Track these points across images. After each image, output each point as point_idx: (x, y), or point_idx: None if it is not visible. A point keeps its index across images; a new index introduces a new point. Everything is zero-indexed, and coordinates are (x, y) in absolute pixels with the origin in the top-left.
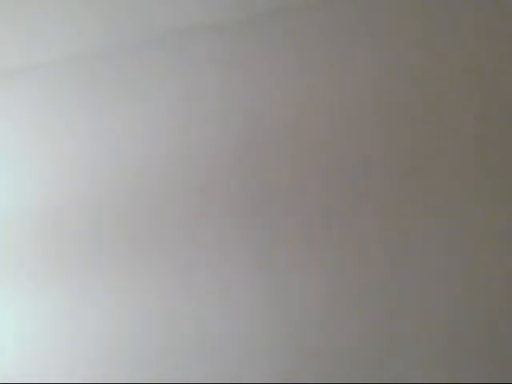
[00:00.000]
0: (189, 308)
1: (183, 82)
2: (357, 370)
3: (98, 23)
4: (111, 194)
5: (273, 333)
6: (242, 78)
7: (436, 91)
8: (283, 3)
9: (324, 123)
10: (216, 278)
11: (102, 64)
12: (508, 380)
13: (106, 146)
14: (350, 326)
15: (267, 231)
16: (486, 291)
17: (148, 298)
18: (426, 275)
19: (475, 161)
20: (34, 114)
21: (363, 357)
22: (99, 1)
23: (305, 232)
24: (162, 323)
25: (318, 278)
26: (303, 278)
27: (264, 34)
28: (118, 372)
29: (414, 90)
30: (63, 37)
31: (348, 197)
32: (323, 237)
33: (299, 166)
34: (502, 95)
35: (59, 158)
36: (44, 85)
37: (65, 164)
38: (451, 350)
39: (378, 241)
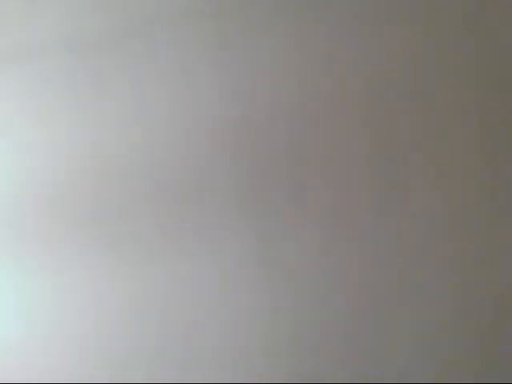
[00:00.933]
0: (186, 288)
1: (176, 66)
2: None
3: (91, 5)
4: (109, 173)
5: (272, 305)
6: (236, 58)
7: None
8: None
9: (322, 102)
10: (211, 255)
11: (95, 47)
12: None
13: (103, 127)
14: (348, 273)
15: (265, 204)
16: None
17: (148, 275)
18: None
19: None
20: (30, 94)
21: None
22: None
23: (299, 196)
24: (160, 300)
25: (313, 243)
26: (297, 244)
27: (257, 15)
28: (119, 347)
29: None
30: (58, 19)
31: (342, 163)
32: (316, 201)
33: (294, 139)
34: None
35: (56, 136)
36: (39, 66)
37: (62, 141)
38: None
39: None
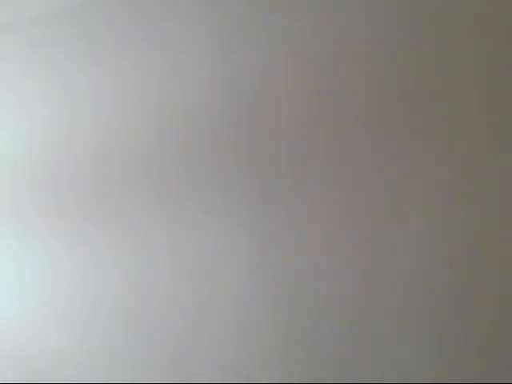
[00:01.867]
0: (186, 261)
1: (173, 40)
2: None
3: None
4: (109, 144)
5: (271, 283)
6: (230, 29)
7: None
8: None
9: (316, 73)
10: (213, 229)
11: (93, 16)
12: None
13: (100, 98)
14: (348, 273)
15: (261, 180)
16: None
17: (148, 248)
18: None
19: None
20: (28, 65)
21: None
22: None
23: (299, 180)
24: (160, 276)
25: (313, 227)
26: (298, 227)
27: None
28: (115, 322)
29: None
30: None
31: (342, 146)
32: (316, 185)
33: (292, 115)
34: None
35: (54, 108)
36: (38, 37)
37: (60, 114)
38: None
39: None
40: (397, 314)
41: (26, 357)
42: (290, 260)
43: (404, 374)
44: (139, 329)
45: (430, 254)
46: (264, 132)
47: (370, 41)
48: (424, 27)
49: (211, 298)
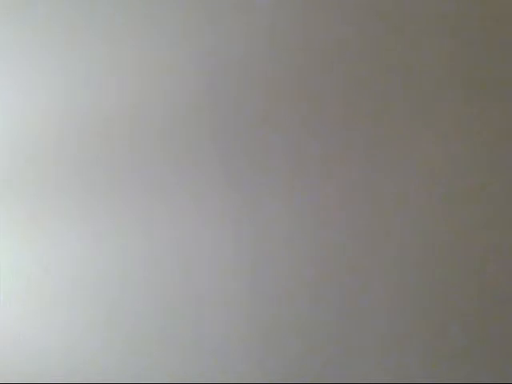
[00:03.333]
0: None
1: (153, 26)
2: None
3: None
4: (109, 123)
5: (252, 256)
6: (213, 23)
7: None
8: None
9: (304, 65)
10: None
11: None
12: None
13: (100, 71)
14: (337, 267)
15: (248, 172)
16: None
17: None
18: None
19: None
20: (24, 45)
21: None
22: None
23: (287, 173)
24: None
25: (302, 220)
26: (278, 201)
27: None
28: (116, 303)
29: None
30: None
31: (326, 122)
32: (306, 178)
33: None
34: None
35: (52, 88)
36: (34, 18)
37: (59, 92)
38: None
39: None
40: (387, 311)
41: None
42: (276, 254)
43: (394, 374)
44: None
45: (426, 253)
46: (250, 124)
47: (359, 33)
48: (423, 26)
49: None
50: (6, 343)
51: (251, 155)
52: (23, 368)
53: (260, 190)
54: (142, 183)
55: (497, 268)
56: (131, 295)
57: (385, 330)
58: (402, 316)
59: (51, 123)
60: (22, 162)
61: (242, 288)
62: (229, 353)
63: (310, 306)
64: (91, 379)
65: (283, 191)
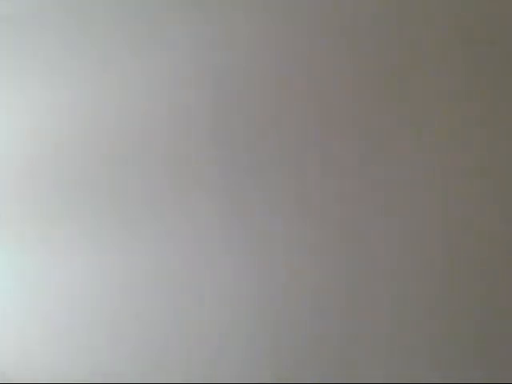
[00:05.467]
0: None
1: (154, 40)
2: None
3: None
4: (102, 143)
5: (258, 281)
6: (212, 27)
7: None
8: None
9: (300, 72)
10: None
11: (94, 11)
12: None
13: (99, 95)
14: (340, 270)
15: (246, 178)
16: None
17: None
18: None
19: None
20: (27, 58)
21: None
22: None
23: (286, 179)
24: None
25: (303, 224)
26: (285, 226)
27: None
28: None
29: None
30: None
31: (326, 146)
32: (306, 185)
33: (275, 114)
34: None
35: (52, 105)
36: (35, 29)
37: (57, 111)
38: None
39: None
40: (391, 313)
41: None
42: (277, 258)
43: (396, 374)
44: (134, 329)
45: (429, 254)
46: (248, 130)
47: (361, 42)
48: (424, 25)
49: (199, 298)
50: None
51: (252, 171)
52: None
53: (260, 204)
54: (148, 207)
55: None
56: (136, 306)
57: (387, 331)
58: (403, 318)
59: (60, 143)
60: (33, 180)
61: (246, 296)
62: (233, 357)
63: (312, 309)
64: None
65: (284, 209)
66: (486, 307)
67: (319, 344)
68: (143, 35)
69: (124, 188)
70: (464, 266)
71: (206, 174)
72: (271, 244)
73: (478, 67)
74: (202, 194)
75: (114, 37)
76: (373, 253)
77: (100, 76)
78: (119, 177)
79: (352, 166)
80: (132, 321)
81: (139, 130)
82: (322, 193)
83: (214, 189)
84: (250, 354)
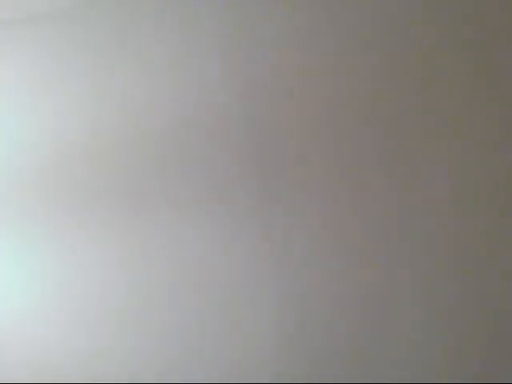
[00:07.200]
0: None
1: (182, 37)
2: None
3: None
4: (111, 149)
5: (279, 292)
6: (242, 34)
7: None
8: None
9: (326, 72)
10: (218, 234)
11: (101, 19)
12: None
13: (107, 101)
14: (358, 275)
15: (271, 184)
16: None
17: (147, 252)
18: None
19: None
20: (35, 65)
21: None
22: None
23: (307, 186)
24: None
25: (322, 230)
26: (305, 231)
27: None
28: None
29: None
30: None
31: (349, 147)
32: (323, 188)
33: (300, 121)
34: None
35: (59, 110)
36: (46, 36)
37: (65, 116)
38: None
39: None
40: (404, 317)
41: (32, 354)
42: (299, 263)
43: (409, 375)
44: (145, 328)
45: (435, 258)
46: (275, 134)
47: (377, 38)
48: (424, 27)
49: (218, 301)
50: None
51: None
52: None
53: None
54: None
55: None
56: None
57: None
58: (424, 321)
59: (65, 152)
60: (31, 191)
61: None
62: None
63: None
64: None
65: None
66: None
67: (339, 347)
68: (165, 35)
69: (144, 189)
70: (466, 270)
71: (227, 181)
72: (294, 249)
73: None
74: (227, 200)
75: (132, 36)
76: (397, 255)
77: (119, 77)
78: (140, 180)
79: (372, 176)
80: (155, 320)
81: (161, 133)
82: (349, 216)
83: (238, 198)
84: (268, 357)
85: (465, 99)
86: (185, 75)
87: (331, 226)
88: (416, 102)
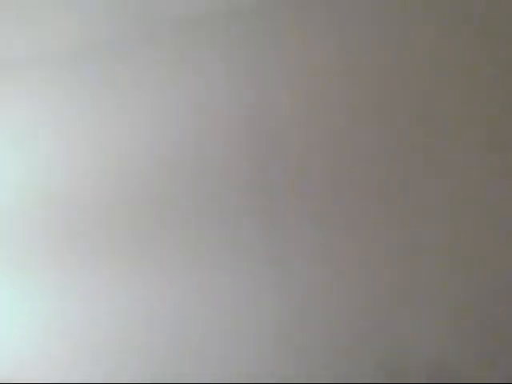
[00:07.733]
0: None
1: (189, 72)
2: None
3: (102, 14)
4: (119, 184)
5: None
6: (247, 66)
7: None
8: None
9: (330, 110)
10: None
11: (108, 56)
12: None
13: (115, 138)
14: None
15: (278, 217)
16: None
17: (153, 288)
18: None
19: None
20: (42, 104)
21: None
22: None
23: (312, 212)
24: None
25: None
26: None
27: (268, 22)
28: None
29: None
30: (69, 28)
31: (355, 180)
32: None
33: (305, 153)
34: None
35: (66, 149)
36: (52, 75)
37: (74, 154)
38: None
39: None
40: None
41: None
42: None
43: (409, 374)
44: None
45: (435, 259)
46: (281, 171)
47: (383, 74)
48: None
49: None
50: None
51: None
52: None
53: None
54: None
55: None
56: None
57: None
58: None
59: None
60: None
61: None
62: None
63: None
64: None
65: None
66: None
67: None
68: (174, 73)
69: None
70: (468, 271)
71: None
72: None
73: None
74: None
75: (142, 73)
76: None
77: (128, 111)
78: (135, 219)
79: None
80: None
81: (166, 169)
82: (347, 253)
83: (244, 227)
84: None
85: (465, 99)
86: (188, 113)
87: (329, 254)
88: (418, 107)
